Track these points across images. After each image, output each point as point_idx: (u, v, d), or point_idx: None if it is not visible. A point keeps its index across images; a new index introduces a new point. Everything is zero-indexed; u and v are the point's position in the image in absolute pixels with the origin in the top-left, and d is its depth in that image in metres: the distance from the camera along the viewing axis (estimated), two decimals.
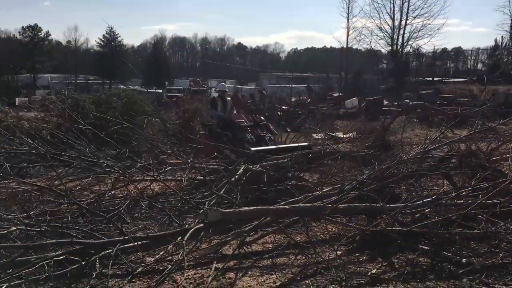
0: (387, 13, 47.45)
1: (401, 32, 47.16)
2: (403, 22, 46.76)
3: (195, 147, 8.16)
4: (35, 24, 62.66)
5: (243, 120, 10.95)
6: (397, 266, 3.88)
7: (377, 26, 47.91)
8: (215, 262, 3.80)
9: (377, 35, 48.62)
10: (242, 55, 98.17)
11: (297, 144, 8.58)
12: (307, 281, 3.61)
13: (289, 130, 14.93)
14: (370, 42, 48.95)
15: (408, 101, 26.01)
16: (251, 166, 5.93)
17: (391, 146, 8.05)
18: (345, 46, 49.44)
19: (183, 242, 3.71)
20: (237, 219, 4.29)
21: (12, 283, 3.42)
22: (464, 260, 3.81)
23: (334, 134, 13.09)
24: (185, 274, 3.54)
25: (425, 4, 45.53)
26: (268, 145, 9.08)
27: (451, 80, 41.73)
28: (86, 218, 5.09)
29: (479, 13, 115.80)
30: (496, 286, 3.44)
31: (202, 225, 4.10)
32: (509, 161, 5.20)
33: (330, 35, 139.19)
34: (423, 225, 4.21)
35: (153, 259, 3.99)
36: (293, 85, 45.90)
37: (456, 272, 3.65)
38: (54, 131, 8.16)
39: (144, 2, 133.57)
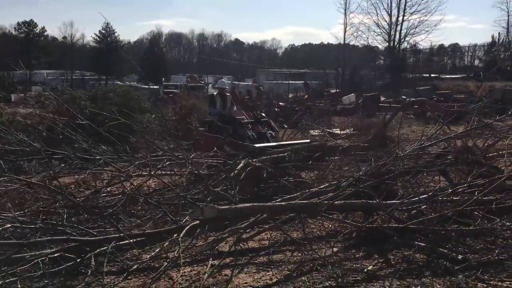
0: (384, 9, 47.55)
1: (398, 28, 47.18)
2: (400, 18, 46.80)
3: (193, 143, 8.13)
4: (31, 20, 62.49)
5: (243, 117, 10.82)
6: (393, 262, 3.89)
7: (374, 22, 47.94)
8: (211, 259, 3.79)
9: (374, 31, 48.68)
10: (239, 51, 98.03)
11: (300, 141, 8.56)
12: (303, 278, 3.61)
13: (286, 126, 14.92)
14: (367, 38, 48.96)
15: (405, 97, 26.02)
16: (251, 161, 5.88)
17: (392, 142, 8.05)
18: (342, 42, 49.42)
19: (179, 239, 3.69)
20: (233, 216, 4.28)
21: (6, 281, 3.41)
22: (460, 257, 3.81)
23: (331, 131, 13.08)
24: (181, 271, 3.53)
25: (422, 0, 45.55)
26: (269, 142, 9.03)
27: (448, 76, 41.78)
28: (82, 215, 5.07)
29: (476, 10, 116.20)
30: (491, 282, 3.44)
31: (198, 222, 4.09)
32: (505, 158, 5.21)
33: (328, 31, 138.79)
34: (419, 222, 4.21)
35: (149, 256, 3.98)
36: (290, 81, 45.86)
37: (452, 269, 3.65)
38: (52, 125, 8.11)
39: None
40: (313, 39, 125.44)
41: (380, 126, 9.72)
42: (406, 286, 3.42)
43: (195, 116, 12.37)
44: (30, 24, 62.23)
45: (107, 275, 3.68)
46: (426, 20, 45.67)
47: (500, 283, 3.42)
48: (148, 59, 59.94)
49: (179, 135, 8.68)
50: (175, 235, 3.93)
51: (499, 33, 49.51)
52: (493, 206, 4.42)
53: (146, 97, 15.93)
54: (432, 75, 42.89)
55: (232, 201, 4.86)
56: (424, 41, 47.81)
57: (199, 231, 4.08)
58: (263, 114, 12.03)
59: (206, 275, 3.51)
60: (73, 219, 4.94)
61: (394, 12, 46.84)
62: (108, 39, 63.13)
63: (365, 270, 3.72)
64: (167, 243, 3.99)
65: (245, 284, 3.56)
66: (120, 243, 4.06)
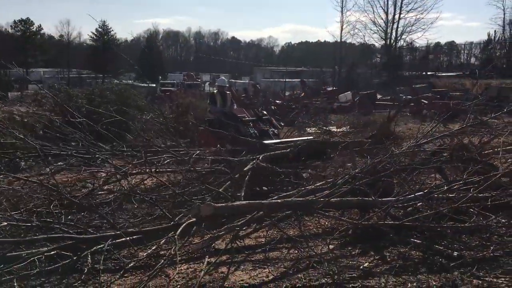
0: (381, 7, 47.39)
1: (395, 26, 47.11)
2: (396, 16, 46.72)
3: (196, 139, 8.08)
4: (27, 18, 62.21)
5: (245, 115, 10.75)
6: (389, 259, 3.90)
7: (371, 20, 47.88)
8: (207, 256, 3.79)
9: (370, 29, 48.56)
10: (236, 49, 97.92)
11: (305, 138, 8.55)
12: (299, 275, 3.62)
13: (282, 124, 14.91)
14: (364, 36, 48.95)
15: (402, 95, 26.05)
16: (259, 162, 5.82)
17: (396, 137, 8.08)
18: (339, 40, 49.38)
19: (176, 236, 3.69)
20: (230, 214, 4.28)
21: (3, 279, 3.40)
22: (455, 254, 3.84)
23: (327, 128, 13.08)
24: (177, 269, 3.54)
25: None
26: (272, 140, 9.00)
27: (444, 74, 41.81)
28: (78, 213, 5.07)
29: (472, 8, 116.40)
30: (487, 279, 3.46)
31: (194, 219, 4.09)
32: (500, 155, 5.23)
33: (324, 29, 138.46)
34: (415, 219, 4.23)
35: (145, 254, 3.99)
36: (287, 79, 45.81)
37: (448, 265, 3.67)
38: (48, 124, 8.08)
39: None
40: (310, 37, 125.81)
41: (385, 121, 9.75)
42: (402, 283, 3.43)
43: (192, 114, 12.33)
44: (27, 22, 61.95)
45: (103, 273, 3.67)
46: (422, 18, 45.66)
47: (495, 280, 3.44)
48: (145, 58, 59.78)
49: (180, 131, 8.60)
50: (171, 233, 3.93)
51: (495, 31, 49.57)
52: (489, 203, 4.43)
53: (143, 95, 15.87)
54: (429, 73, 42.93)
55: (229, 199, 4.87)
56: (420, 39, 47.79)
57: (196, 228, 4.08)
58: (265, 112, 11.94)
59: (203, 272, 3.52)
60: (69, 217, 4.94)
61: (391, 10, 46.82)
62: (105, 37, 62.93)
63: (361, 267, 3.73)
64: (163, 240, 4.00)
65: (241, 281, 3.57)
66: (117, 241, 4.06)
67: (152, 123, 9.66)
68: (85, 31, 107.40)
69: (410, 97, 23.45)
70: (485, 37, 52.22)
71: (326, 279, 3.52)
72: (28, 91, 31.03)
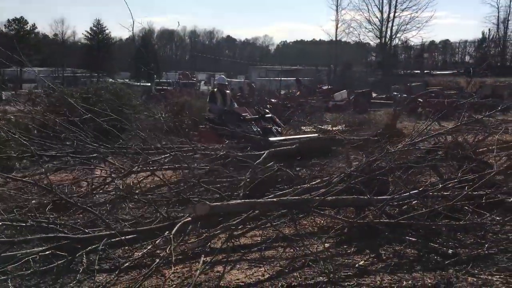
0: (376, 5, 47.64)
1: (390, 24, 47.37)
2: (391, 15, 46.98)
3: (198, 136, 8.01)
4: (21, 16, 61.87)
5: (247, 114, 10.63)
6: (384, 257, 3.91)
7: (366, 18, 48.10)
8: (203, 255, 3.79)
9: (365, 28, 48.76)
10: (231, 48, 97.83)
11: (311, 135, 8.54)
12: (295, 274, 3.62)
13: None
14: (359, 34, 49.12)
15: (397, 93, 26.14)
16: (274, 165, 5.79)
17: (401, 134, 8.11)
18: (334, 38, 49.51)
19: (171, 236, 3.69)
20: (225, 213, 4.28)
21: None
22: (450, 251, 3.85)
23: (323, 127, 13.10)
24: (173, 268, 3.53)
25: None
26: (275, 137, 8.95)
27: (439, 72, 41.99)
28: (73, 213, 5.05)
29: (467, 6, 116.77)
30: (482, 276, 3.47)
31: (190, 218, 4.09)
32: (495, 153, 5.25)
33: (319, 28, 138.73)
34: (410, 217, 4.23)
35: (140, 254, 3.97)
36: (282, 78, 45.82)
37: (443, 263, 3.68)
38: (43, 123, 8.02)
39: None
40: (305, 36, 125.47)
41: (390, 118, 9.78)
42: (397, 281, 3.44)
43: (187, 113, 12.27)
44: (21, 21, 61.63)
45: (98, 272, 3.66)
46: (417, 17, 45.98)
47: (490, 277, 3.45)
48: (140, 57, 59.60)
49: (178, 129, 8.52)
50: (166, 232, 3.93)
51: (489, 29, 49.90)
52: (483, 201, 4.45)
53: (138, 94, 15.84)
54: (423, 71, 43.11)
55: (225, 198, 4.86)
56: (415, 37, 48.10)
57: (191, 227, 4.08)
58: (267, 110, 11.83)
59: (198, 271, 3.51)
60: (64, 217, 4.92)
61: (386, 8, 47.07)
62: (99, 36, 62.70)
63: (357, 266, 3.74)
64: (159, 240, 3.99)
65: (237, 280, 3.57)
66: (112, 240, 4.05)
67: (148, 122, 9.62)
68: (79, 30, 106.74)
69: (405, 95, 23.53)
70: (480, 36, 52.39)
71: (321, 277, 3.52)
72: (22, 90, 30.89)
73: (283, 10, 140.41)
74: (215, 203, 4.15)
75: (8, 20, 61.54)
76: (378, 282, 3.44)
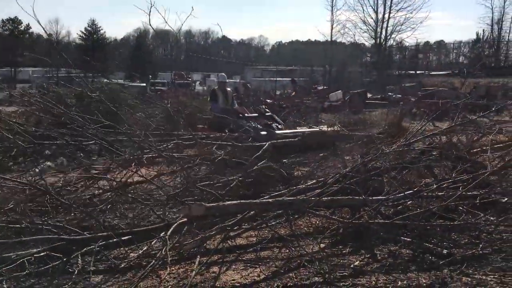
0: (371, 6, 47.93)
1: (384, 25, 47.48)
2: (386, 16, 47.08)
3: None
4: (15, 17, 61.58)
5: (247, 113, 10.73)
6: (379, 258, 3.93)
7: (361, 19, 48.26)
8: (199, 256, 3.79)
9: (360, 29, 49.01)
10: (226, 48, 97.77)
11: (313, 129, 8.54)
12: (290, 274, 3.64)
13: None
14: (354, 35, 49.33)
15: (392, 93, 26.22)
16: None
17: (406, 132, 8.13)
18: (329, 39, 49.62)
19: (167, 237, 3.69)
20: (221, 213, 4.29)
21: None
22: (445, 251, 3.87)
23: (318, 127, 13.10)
24: (168, 269, 3.53)
25: None
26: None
27: (434, 73, 42.17)
28: (68, 214, 5.03)
29: (461, 7, 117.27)
30: (476, 276, 3.49)
31: (185, 219, 4.09)
32: (489, 153, 5.28)
33: (315, 28, 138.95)
34: (404, 217, 4.25)
35: (136, 255, 3.97)
36: (277, 78, 45.87)
37: (437, 263, 3.70)
38: (38, 123, 8.00)
39: None
40: (300, 36, 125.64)
41: (396, 117, 9.80)
42: (392, 281, 3.46)
43: (183, 114, 12.23)
44: (15, 21, 61.36)
45: (94, 274, 3.66)
46: (411, 17, 46.21)
47: (484, 277, 3.47)
48: (135, 57, 59.49)
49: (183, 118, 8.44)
50: (162, 233, 3.93)
51: (483, 30, 50.16)
52: (477, 201, 4.48)
53: (134, 94, 15.75)
54: (418, 72, 43.30)
55: (220, 198, 4.86)
56: (410, 38, 48.35)
57: (187, 228, 4.08)
58: (267, 109, 11.88)
59: (194, 272, 3.52)
60: (59, 217, 4.90)
61: (380, 9, 47.18)
62: (94, 36, 62.48)
63: (352, 266, 3.76)
64: (154, 241, 3.99)
65: (233, 281, 3.57)
66: (107, 241, 4.05)
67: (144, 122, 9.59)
68: (74, 30, 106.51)
69: (399, 95, 23.62)
70: (474, 36, 52.67)
71: (317, 277, 3.54)
72: (16, 91, 30.72)
73: (278, 11, 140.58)
74: (210, 204, 4.15)
75: (2, 20, 61.33)
76: (373, 282, 3.46)
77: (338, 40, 51.29)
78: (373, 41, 48.49)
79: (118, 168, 6.03)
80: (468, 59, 50.87)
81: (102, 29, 63.21)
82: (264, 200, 4.58)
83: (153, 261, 3.55)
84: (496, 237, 4.21)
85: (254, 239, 4.43)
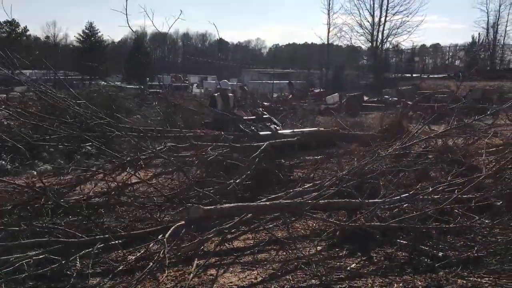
0: (367, 9, 47.73)
1: (381, 28, 47.45)
2: (382, 19, 47.05)
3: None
4: (13, 19, 61.37)
5: (245, 115, 10.79)
6: (375, 260, 3.96)
7: (357, 22, 48.19)
8: (196, 258, 3.82)
9: (357, 32, 48.87)
10: (223, 51, 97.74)
11: (313, 129, 8.56)
12: (287, 277, 3.66)
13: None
14: (351, 38, 49.20)
15: (388, 96, 26.28)
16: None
17: (406, 132, 8.16)
18: (326, 42, 49.64)
19: (164, 239, 3.71)
20: (218, 216, 4.31)
21: None
22: (440, 254, 3.90)
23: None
24: (166, 272, 3.55)
25: (404, 1, 45.95)
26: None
27: (430, 76, 42.25)
28: (67, 217, 5.03)
29: (457, 10, 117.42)
30: (471, 278, 3.53)
31: (183, 222, 4.11)
32: (484, 156, 5.32)
33: (311, 31, 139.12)
34: (401, 220, 4.29)
35: (134, 257, 3.98)
36: (274, 81, 45.82)
37: (433, 266, 3.74)
38: (36, 125, 7.97)
39: None
40: (297, 39, 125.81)
41: (397, 117, 9.82)
42: (388, 283, 3.49)
43: (180, 116, 12.25)
44: (12, 24, 61.18)
45: (92, 276, 3.67)
46: (408, 21, 46.11)
47: (479, 280, 3.51)
48: (133, 59, 59.33)
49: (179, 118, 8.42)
50: (160, 236, 3.94)
51: (479, 33, 50.28)
52: (472, 204, 4.51)
53: (132, 97, 15.78)
54: (414, 75, 43.39)
55: (217, 201, 4.87)
56: (406, 41, 48.40)
57: (185, 231, 4.10)
58: (265, 112, 11.98)
59: (192, 275, 3.54)
60: (57, 220, 4.91)
61: (377, 13, 47.16)
62: (92, 39, 62.37)
63: (348, 268, 3.79)
64: (152, 243, 4.01)
65: (230, 284, 3.60)
66: (106, 244, 4.06)
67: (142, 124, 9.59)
68: (71, 32, 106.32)
69: (396, 98, 23.68)
70: (470, 40, 52.86)
71: (314, 280, 3.57)
72: (14, 93, 30.63)
73: (275, 14, 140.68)
74: (208, 207, 4.17)
75: (0, 22, 61.11)
76: (370, 284, 3.49)
77: (335, 43, 51.37)
78: (370, 44, 48.55)
79: (115, 170, 6.02)
80: (464, 62, 51.02)
81: (99, 32, 63.20)
82: (261, 203, 4.60)
83: (151, 263, 3.57)
84: (491, 240, 4.25)
85: (252, 242, 4.45)
